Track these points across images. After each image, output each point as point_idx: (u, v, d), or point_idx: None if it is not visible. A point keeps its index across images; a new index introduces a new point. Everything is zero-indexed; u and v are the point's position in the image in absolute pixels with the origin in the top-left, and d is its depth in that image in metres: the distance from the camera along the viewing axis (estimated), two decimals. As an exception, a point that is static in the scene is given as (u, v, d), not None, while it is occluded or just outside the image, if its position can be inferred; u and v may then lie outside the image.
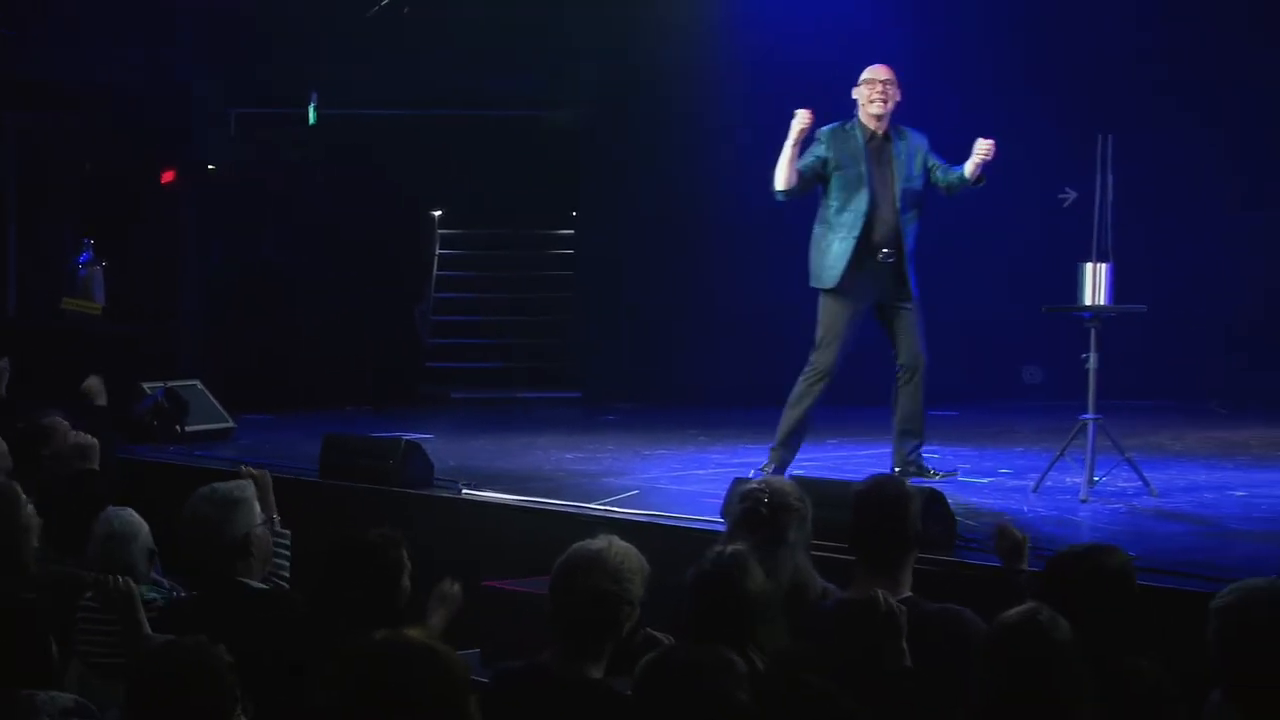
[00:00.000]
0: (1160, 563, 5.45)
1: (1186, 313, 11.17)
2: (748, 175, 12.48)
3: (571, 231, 14.13)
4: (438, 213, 13.96)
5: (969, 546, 5.90)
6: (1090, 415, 7.33)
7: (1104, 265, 7.40)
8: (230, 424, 10.24)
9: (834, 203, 7.72)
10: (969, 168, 7.60)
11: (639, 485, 7.67)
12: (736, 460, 8.71)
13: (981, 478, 8.03)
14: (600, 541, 3.96)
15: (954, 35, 12.18)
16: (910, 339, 7.75)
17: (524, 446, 9.50)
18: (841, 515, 4.96)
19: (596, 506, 7.04)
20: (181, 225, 12.81)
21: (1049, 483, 7.40)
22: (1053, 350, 10.37)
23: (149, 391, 9.97)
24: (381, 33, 13.29)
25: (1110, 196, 7.51)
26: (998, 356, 12.38)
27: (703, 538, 5.52)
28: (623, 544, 3.97)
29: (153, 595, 5.04)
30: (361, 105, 13.62)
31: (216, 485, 4.88)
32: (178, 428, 9.81)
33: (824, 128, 7.73)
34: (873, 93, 7.66)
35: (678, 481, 7.97)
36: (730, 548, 4.03)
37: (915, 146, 7.74)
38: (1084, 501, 7.11)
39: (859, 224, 7.67)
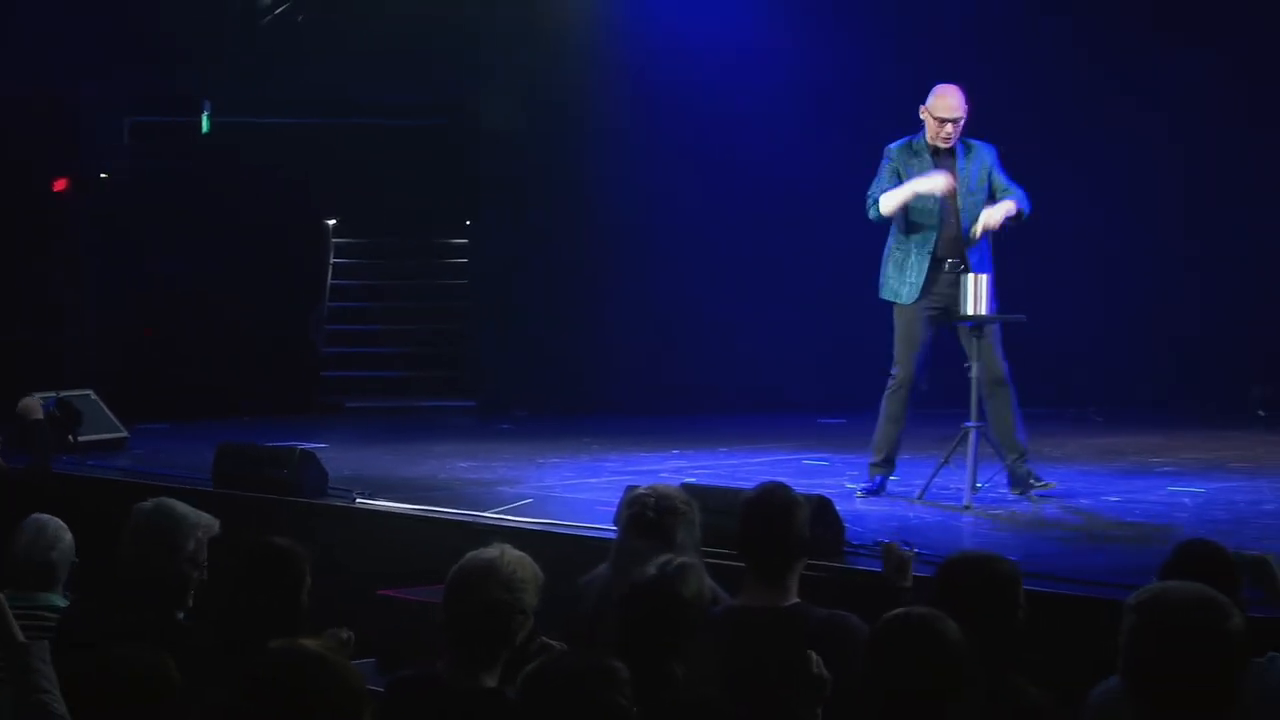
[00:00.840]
0: (1038, 567, 5.55)
1: (1065, 321, 11.35)
2: (641, 184, 12.65)
3: (466, 240, 14.11)
4: (332, 221, 13.88)
5: (857, 553, 5.98)
6: (973, 423, 7.44)
7: (985, 276, 7.52)
8: (124, 433, 10.12)
9: (906, 220, 7.74)
10: (974, 228, 7.63)
11: (533, 494, 7.68)
12: (631, 468, 8.75)
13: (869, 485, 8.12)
14: (494, 550, 3.97)
15: (851, 48, 12.33)
16: (984, 351, 7.67)
17: (419, 455, 9.48)
18: (731, 522, 5.01)
19: (491, 515, 7.04)
20: (73, 233, 12.64)
21: (933, 489, 7.50)
22: (938, 359, 10.53)
23: (41, 401, 9.82)
24: (276, 41, 13.21)
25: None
26: (885, 365, 12.51)
27: (597, 546, 5.55)
28: (516, 553, 3.98)
29: (61, 603, 5.00)
30: (255, 113, 13.52)
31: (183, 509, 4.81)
32: (70, 437, 9.67)
33: (893, 145, 7.80)
34: (941, 131, 7.67)
35: (572, 490, 7.99)
36: (677, 560, 4.02)
37: (981, 160, 7.71)
38: (967, 508, 7.23)
39: (930, 241, 7.72)
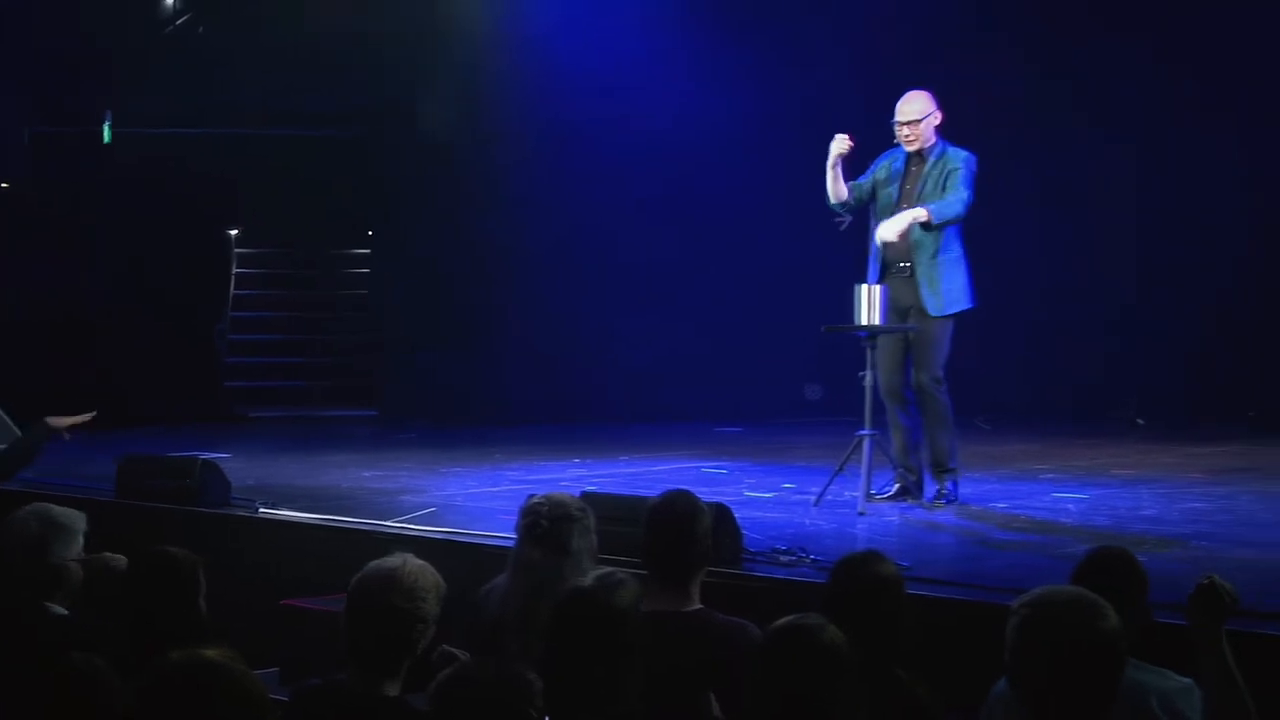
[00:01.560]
0: (931, 573, 5.61)
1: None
2: (541, 197, 12.65)
3: (368, 251, 14.04)
4: (234, 231, 13.75)
5: (754, 560, 6.00)
6: (867, 431, 7.50)
7: (878, 287, 7.59)
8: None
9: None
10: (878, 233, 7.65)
11: (435, 503, 7.64)
12: (532, 477, 8.74)
13: (766, 492, 8.18)
14: (395, 559, 3.95)
15: (750, 62, 12.42)
16: (917, 355, 7.69)
17: (321, 465, 9.41)
18: (633, 530, 5.01)
19: (393, 524, 7.00)
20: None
21: (829, 496, 7.57)
22: (832, 368, 10.62)
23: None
24: (178, 51, 13.07)
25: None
26: (781, 374, 12.63)
27: (498, 555, 5.53)
28: (418, 562, 3.96)
29: None
30: (157, 124, 13.37)
31: (50, 506, 4.79)
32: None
33: (886, 152, 7.82)
34: (899, 133, 7.71)
35: (474, 499, 7.96)
36: (617, 573, 4.00)
37: (945, 167, 7.67)
38: (861, 514, 7.29)
39: (875, 241, 7.75)
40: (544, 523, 4.57)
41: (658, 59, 12.43)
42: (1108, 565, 3.95)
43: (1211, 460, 9.55)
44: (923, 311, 7.65)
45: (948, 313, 7.64)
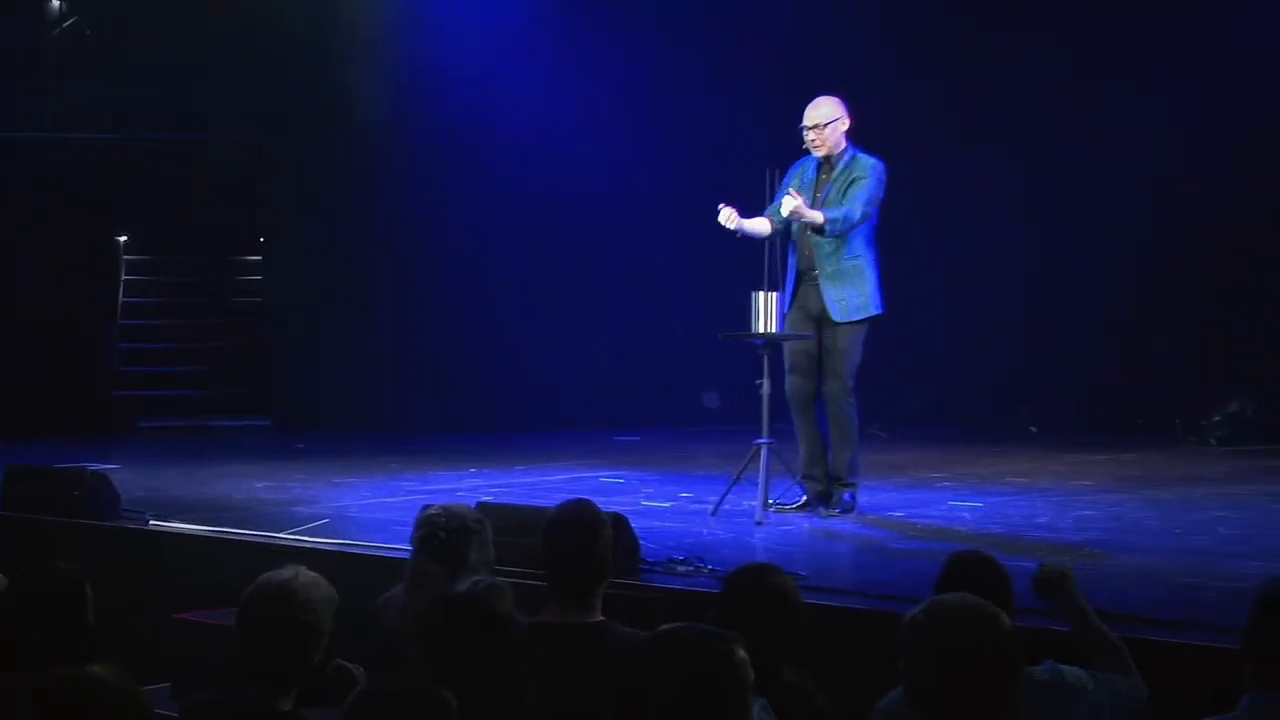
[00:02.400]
0: (828, 582, 5.65)
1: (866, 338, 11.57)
2: (437, 204, 12.61)
3: (260, 257, 13.89)
4: (123, 238, 13.55)
5: (652, 570, 6.02)
6: (765, 440, 7.54)
7: (775, 294, 7.63)
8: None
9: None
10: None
11: (329, 514, 7.59)
12: (428, 487, 8.70)
13: (664, 501, 8.20)
14: (288, 572, 3.91)
15: (635, 70, 12.45)
16: (825, 364, 7.69)
17: (213, 476, 9.30)
18: (530, 540, 5.00)
19: (286, 536, 6.94)
20: None
21: (727, 505, 7.59)
22: (730, 375, 10.67)
23: None
24: (64, 54, 12.88)
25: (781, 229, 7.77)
26: (678, 382, 12.67)
27: (393, 566, 5.50)
28: (311, 574, 3.93)
29: None
30: (43, 128, 13.15)
31: None
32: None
33: (797, 163, 7.79)
34: (805, 139, 7.71)
35: (368, 510, 7.91)
36: (486, 580, 3.98)
37: (852, 175, 7.65)
38: (759, 524, 7.32)
39: (791, 251, 7.77)
40: (441, 534, 4.55)
41: (545, 60, 12.46)
42: (968, 570, 4.01)
43: (1103, 467, 9.71)
44: (829, 319, 7.68)
45: (851, 319, 7.66)
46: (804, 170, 7.78)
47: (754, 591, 3.93)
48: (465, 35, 12.43)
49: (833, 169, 7.71)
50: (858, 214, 7.57)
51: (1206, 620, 4.97)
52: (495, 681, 3.60)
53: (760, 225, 7.68)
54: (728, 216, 7.54)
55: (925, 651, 3.09)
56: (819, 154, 7.73)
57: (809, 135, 7.71)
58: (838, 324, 7.65)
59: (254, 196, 13.36)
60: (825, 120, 7.68)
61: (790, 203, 7.51)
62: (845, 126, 7.72)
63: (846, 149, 7.73)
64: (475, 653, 3.62)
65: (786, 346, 7.79)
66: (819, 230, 7.58)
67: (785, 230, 7.78)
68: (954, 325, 12.36)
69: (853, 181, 7.63)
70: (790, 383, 7.76)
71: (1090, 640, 4.07)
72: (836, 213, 7.56)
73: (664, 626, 3.27)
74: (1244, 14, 11.03)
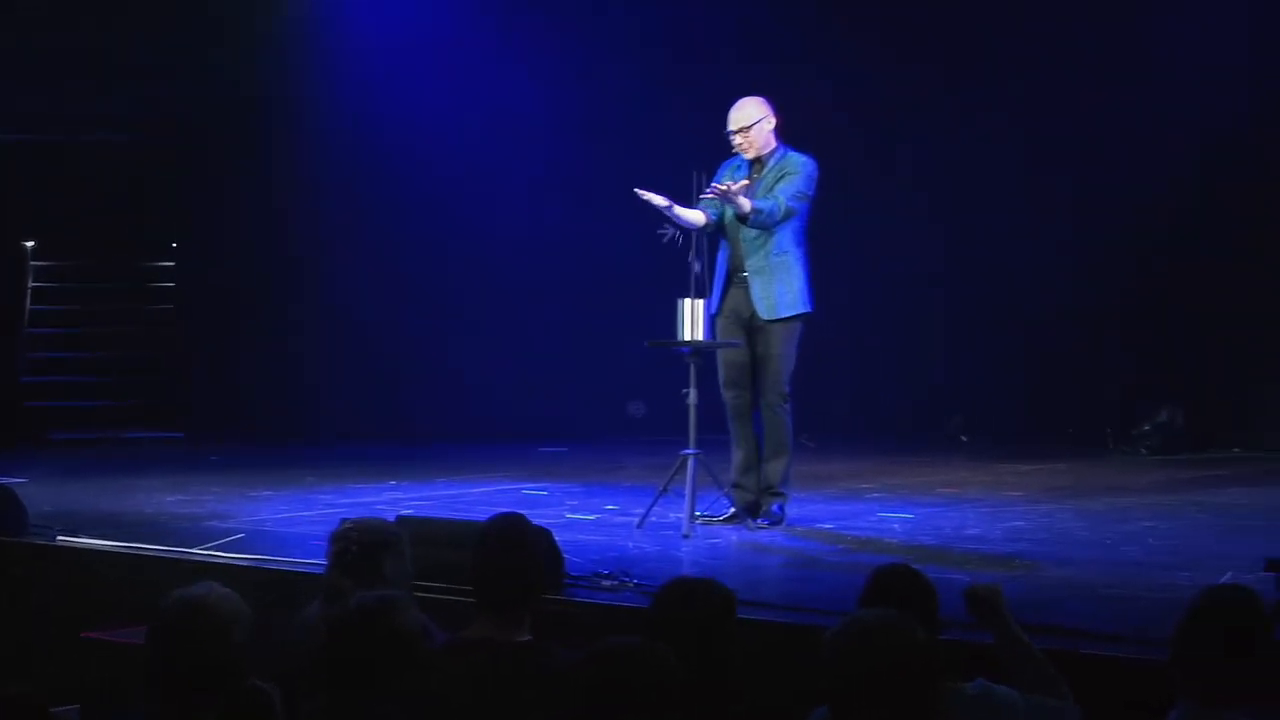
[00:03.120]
0: (756, 596, 5.64)
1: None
2: (359, 211, 12.53)
3: (173, 264, 13.70)
4: (30, 244, 13.35)
5: (577, 585, 5.99)
6: (691, 450, 7.52)
7: (701, 301, 7.61)
8: None
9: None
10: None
11: (244, 528, 7.51)
12: (347, 500, 8.63)
13: (588, 514, 8.17)
14: (201, 588, 3.86)
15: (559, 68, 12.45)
16: (760, 370, 7.68)
17: (124, 489, 9.18)
18: (452, 554, 4.96)
19: (199, 551, 6.86)
20: None
21: (653, 518, 7.57)
22: (658, 385, 10.67)
23: None
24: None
25: (710, 232, 7.78)
26: (604, 391, 12.66)
27: (311, 582, 5.45)
28: (224, 590, 3.88)
29: None
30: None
31: None
32: None
33: (727, 162, 7.76)
34: (733, 143, 7.70)
35: (285, 524, 7.83)
36: (376, 593, 3.94)
37: (782, 171, 7.64)
38: (686, 537, 7.30)
39: (721, 251, 7.75)
40: (354, 549, 4.50)
41: (469, 67, 12.43)
42: (892, 584, 4.02)
43: (1033, 478, 9.78)
44: (757, 318, 7.66)
45: (780, 316, 7.64)
46: (734, 169, 7.77)
47: (686, 605, 3.91)
48: (385, 37, 12.38)
49: (764, 167, 7.71)
50: (782, 208, 7.56)
51: (1136, 632, 5.00)
52: (398, 699, 3.57)
53: (694, 215, 7.66)
54: (652, 197, 7.52)
55: (845, 668, 3.10)
56: (748, 156, 7.74)
57: (736, 139, 7.73)
58: (768, 324, 7.64)
59: (167, 200, 13.18)
60: (751, 121, 7.69)
61: (725, 186, 7.51)
62: (771, 125, 7.73)
63: (777, 148, 7.75)
64: (369, 668, 3.59)
65: (719, 357, 7.78)
66: (743, 219, 7.57)
67: (718, 229, 7.78)
68: (882, 334, 12.43)
69: (782, 177, 7.64)
70: (726, 395, 7.77)
71: (1020, 662, 4.08)
72: (762, 204, 7.56)
73: (599, 643, 3.26)
74: (1162, 22, 11.18)
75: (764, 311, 7.64)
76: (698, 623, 3.85)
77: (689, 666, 3.33)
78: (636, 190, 7.57)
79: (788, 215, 7.60)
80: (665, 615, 3.93)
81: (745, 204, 7.54)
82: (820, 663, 3.12)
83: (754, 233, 7.66)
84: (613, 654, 3.24)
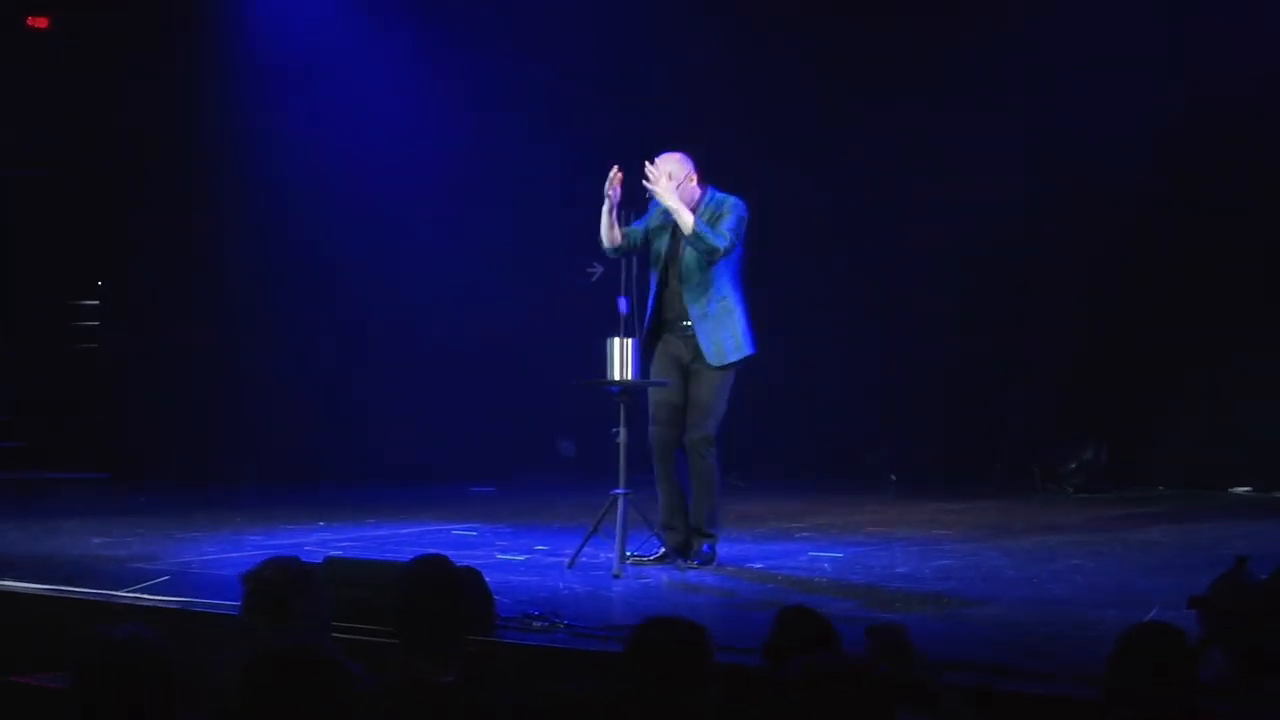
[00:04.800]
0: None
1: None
2: (283, 249, 12.46)
3: (97, 301, 13.56)
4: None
5: (507, 626, 5.97)
6: (621, 490, 7.53)
7: (630, 340, 7.63)
8: None
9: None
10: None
11: (170, 570, 7.44)
12: (274, 542, 8.56)
13: (519, 554, 8.15)
14: (126, 630, 3.83)
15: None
16: (690, 413, 7.67)
17: (46, 531, 9.07)
18: (380, 596, 4.92)
19: (125, 594, 6.79)
20: None
21: (584, 558, 7.57)
22: (587, 423, 10.68)
23: None
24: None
25: (636, 273, 7.80)
26: (534, 430, 12.65)
27: (236, 624, 5.40)
28: (151, 633, 3.85)
29: None
30: None
31: None
32: None
33: (655, 202, 7.73)
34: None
35: (212, 565, 7.76)
36: (296, 636, 3.90)
37: (714, 213, 7.63)
38: (617, 576, 7.30)
39: (649, 298, 7.73)
40: (263, 588, 4.47)
41: (392, 108, 12.45)
42: (798, 624, 4.05)
43: (962, 516, 9.86)
44: (703, 363, 7.67)
45: (727, 361, 7.67)
46: (664, 211, 7.75)
47: (661, 646, 3.88)
48: (304, 66, 12.38)
49: (694, 211, 7.70)
50: (725, 240, 7.57)
51: (1064, 669, 5.05)
52: None
53: (614, 232, 7.68)
54: (614, 178, 7.57)
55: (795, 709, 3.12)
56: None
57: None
58: (710, 369, 7.65)
59: (93, 236, 13.07)
60: (675, 182, 7.68)
61: (660, 186, 7.53)
62: (693, 182, 7.73)
63: (705, 192, 7.76)
64: (289, 714, 3.56)
65: (650, 395, 7.80)
66: (688, 233, 7.55)
67: (647, 272, 7.78)
68: (808, 371, 12.46)
69: (719, 217, 7.66)
70: (653, 433, 7.77)
71: (933, 699, 4.08)
72: (703, 226, 7.58)
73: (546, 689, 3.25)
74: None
75: (713, 358, 7.66)
76: (674, 663, 3.83)
77: (664, 708, 3.32)
78: (615, 170, 7.57)
79: (728, 250, 7.62)
80: (641, 655, 3.89)
81: (688, 217, 7.56)
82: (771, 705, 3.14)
83: (695, 279, 7.66)
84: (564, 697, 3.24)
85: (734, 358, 7.70)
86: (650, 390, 7.78)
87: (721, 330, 7.68)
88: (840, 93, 12.19)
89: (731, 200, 7.74)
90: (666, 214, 7.75)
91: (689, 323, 7.69)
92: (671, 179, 7.66)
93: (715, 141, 10.32)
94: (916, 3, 12.04)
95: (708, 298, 7.68)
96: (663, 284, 7.79)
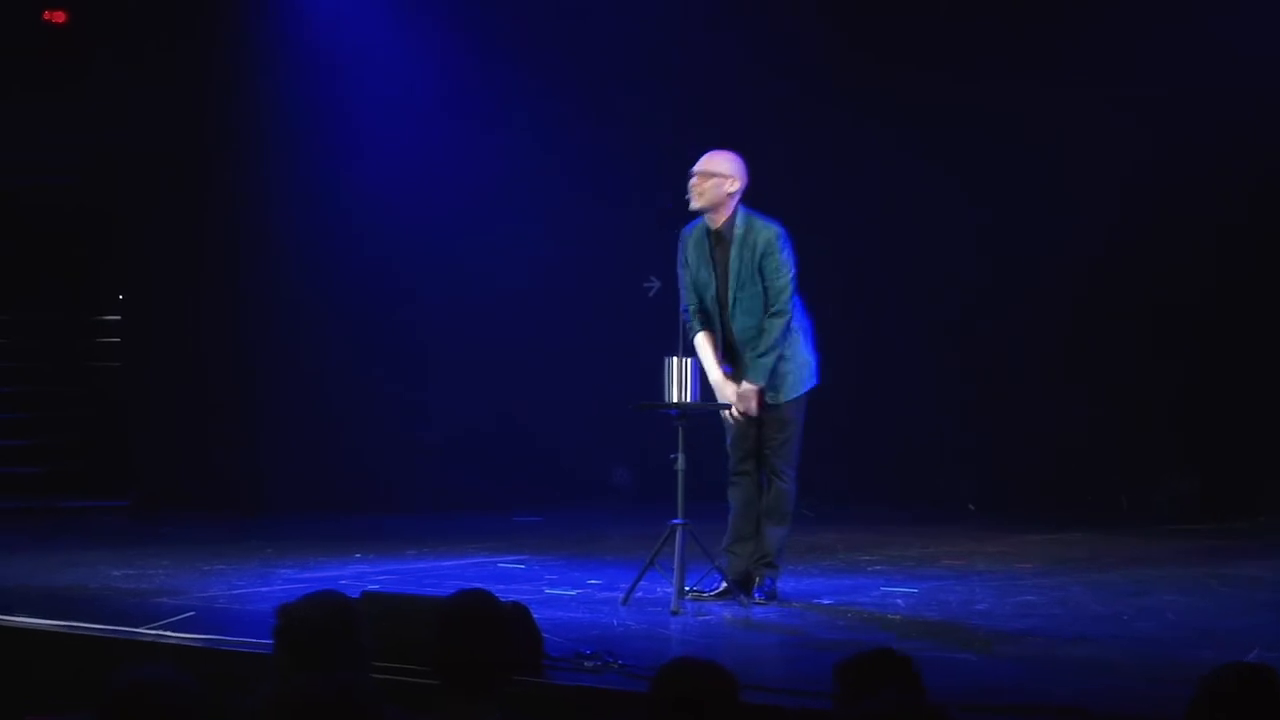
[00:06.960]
0: (751, 677, 5.61)
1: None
2: (308, 253, 12.49)
3: (119, 317, 13.64)
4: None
5: (556, 666, 5.97)
6: (679, 520, 7.52)
7: (689, 360, 7.63)
8: None
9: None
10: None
11: (196, 606, 7.48)
12: (308, 575, 8.60)
13: (569, 589, 8.15)
14: (150, 670, 3.85)
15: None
16: (766, 437, 7.73)
17: (64, 563, 9.14)
18: (422, 634, 4.92)
19: (148, 630, 6.83)
20: None
21: (639, 593, 7.56)
22: (643, 450, 10.65)
23: None
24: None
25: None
26: (586, 458, 12.64)
27: (269, 664, 5.42)
28: (177, 672, 3.87)
29: None
30: None
31: None
32: None
33: (687, 227, 7.77)
34: (689, 184, 7.70)
35: (240, 600, 7.81)
36: (334, 674, 3.91)
37: (753, 247, 7.61)
38: (675, 613, 7.29)
39: (715, 325, 7.77)
40: (296, 625, 4.48)
41: (447, 120, 12.51)
42: (867, 668, 4.03)
43: (1045, 548, 9.79)
44: (774, 395, 7.71)
45: (789, 398, 7.71)
46: (695, 239, 7.74)
47: (686, 691, 3.88)
48: (347, 85, 12.47)
49: (727, 241, 7.66)
50: (786, 303, 7.61)
51: (1157, 714, 5.00)
52: None
53: (709, 354, 7.75)
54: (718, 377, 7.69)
55: None
56: (694, 205, 7.69)
57: (691, 181, 7.70)
58: (782, 402, 7.70)
59: (114, 251, 13.18)
60: (710, 171, 7.66)
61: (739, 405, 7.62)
62: (732, 189, 7.66)
63: (737, 213, 7.69)
64: None
65: (725, 414, 7.79)
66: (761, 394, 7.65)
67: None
68: (882, 399, 12.42)
69: (761, 260, 7.62)
70: (731, 452, 7.79)
71: None
72: (767, 358, 7.61)
73: None
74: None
75: (771, 399, 7.69)
76: (698, 707, 3.83)
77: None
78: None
79: (789, 301, 7.63)
80: (663, 698, 3.90)
81: (753, 389, 7.61)
82: None
83: (747, 320, 7.68)
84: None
85: (794, 394, 7.72)
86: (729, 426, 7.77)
87: (788, 364, 7.69)
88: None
89: (769, 234, 7.64)
90: (701, 248, 7.73)
91: (728, 365, 7.75)
92: (710, 178, 7.66)
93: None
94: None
95: (771, 341, 7.69)
96: (724, 329, 7.78)
